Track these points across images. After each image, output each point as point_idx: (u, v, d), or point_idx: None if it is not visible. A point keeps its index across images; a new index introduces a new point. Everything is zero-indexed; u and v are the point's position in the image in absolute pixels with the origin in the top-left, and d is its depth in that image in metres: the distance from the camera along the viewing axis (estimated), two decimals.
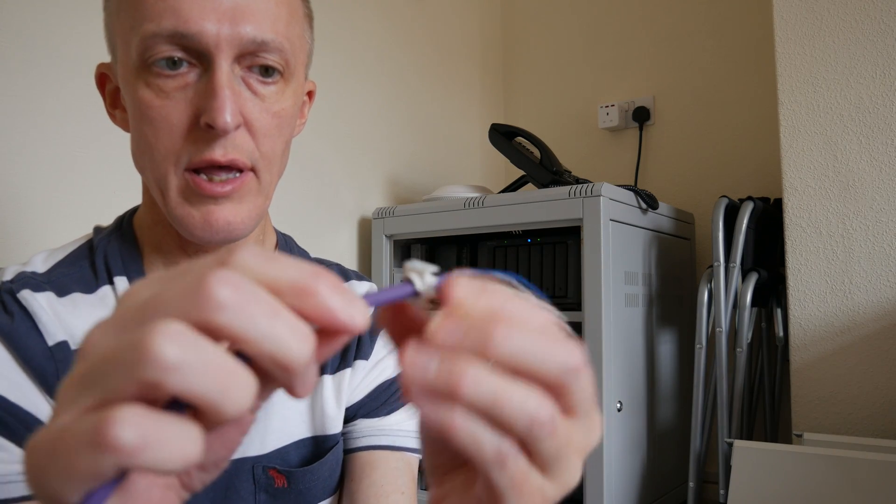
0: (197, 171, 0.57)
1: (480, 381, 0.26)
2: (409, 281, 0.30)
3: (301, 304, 0.25)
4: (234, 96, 0.55)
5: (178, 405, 0.24)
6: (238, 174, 0.58)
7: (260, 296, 0.24)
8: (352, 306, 0.26)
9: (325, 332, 0.26)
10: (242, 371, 0.24)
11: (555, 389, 0.28)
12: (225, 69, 0.55)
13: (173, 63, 0.55)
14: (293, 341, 0.25)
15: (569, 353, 0.28)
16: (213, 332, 0.24)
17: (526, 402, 0.27)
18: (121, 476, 0.24)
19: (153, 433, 0.22)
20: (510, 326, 0.27)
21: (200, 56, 0.56)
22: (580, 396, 0.28)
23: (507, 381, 0.27)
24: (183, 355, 0.23)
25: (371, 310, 0.27)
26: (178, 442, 0.23)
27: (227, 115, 0.54)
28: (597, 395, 0.29)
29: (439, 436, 0.27)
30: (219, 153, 0.56)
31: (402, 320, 0.30)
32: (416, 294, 0.29)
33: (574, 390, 0.28)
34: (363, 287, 0.75)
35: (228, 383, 0.24)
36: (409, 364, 0.26)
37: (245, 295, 0.24)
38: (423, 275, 0.29)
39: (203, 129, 0.56)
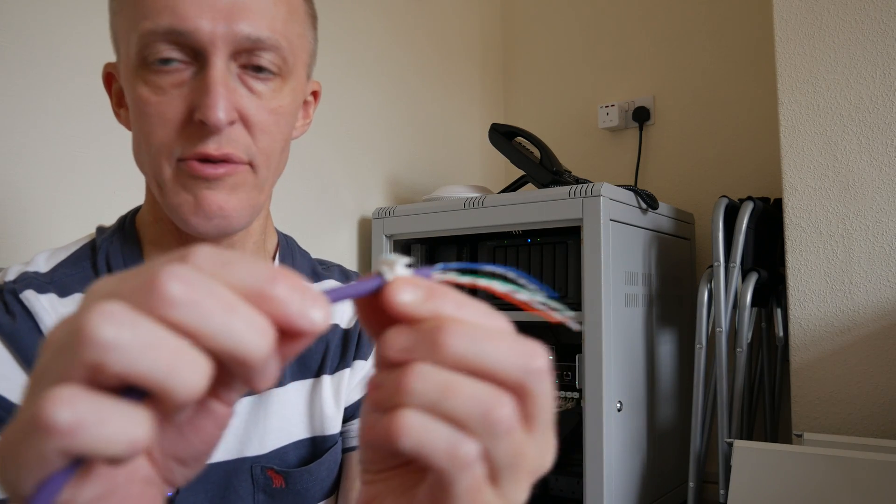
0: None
1: (427, 374, 0.26)
2: (379, 274, 0.29)
3: (258, 306, 0.25)
4: (227, 93, 0.56)
5: (134, 393, 0.24)
6: (232, 164, 0.59)
7: (214, 290, 0.24)
8: (311, 308, 0.25)
9: (287, 332, 0.25)
10: (189, 349, 0.23)
11: (513, 392, 0.27)
12: (219, 66, 0.56)
13: (170, 60, 0.56)
14: (249, 335, 0.24)
15: (530, 354, 0.27)
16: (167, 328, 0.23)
17: (479, 394, 0.26)
18: (75, 465, 0.23)
19: (91, 413, 0.22)
20: (460, 328, 0.26)
21: (196, 53, 0.56)
22: (540, 405, 0.27)
23: (458, 375, 0.26)
24: (119, 333, 0.22)
25: (336, 306, 0.27)
26: (120, 422, 0.22)
27: (219, 112, 0.55)
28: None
29: (386, 445, 0.26)
30: (212, 147, 0.56)
31: (379, 312, 0.29)
32: (383, 287, 0.29)
33: (534, 395, 0.27)
34: None
35: (174, 362, 0.23)
36: (370, 383, 0.27)
37: (198, 290, 0.23)
38: (394, 266, 0.29)
39: (197, 124, 0.56)
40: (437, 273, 0.30)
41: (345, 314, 0.72)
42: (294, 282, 0.25)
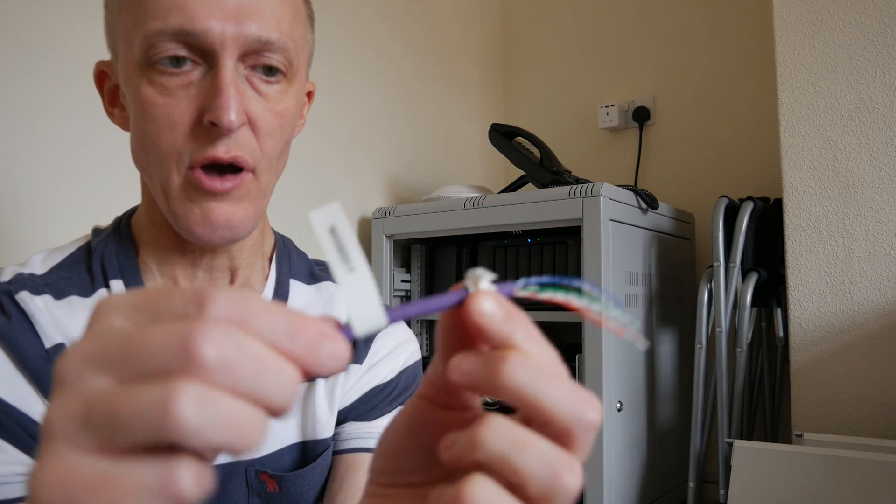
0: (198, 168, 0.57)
1: (500, 426, 0.26)
2: (465, 288, 0.29)
3: (282, 355, 0.25)
4: (238, 95, 0.55)
5: None
6: (238, 173, 0.58)
7: (246, 349, 0.24)
8: (330, 358, 0.26)
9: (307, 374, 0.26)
10: (258, 416, 0.24)
11: (559, 437, 0.27)
12: (230, 68, 0.55)
13: (178, 61, 0.55)
14: (281, 391, 0.25)
15: (587, 403, 0.27)
16: None
17: (550, 455, 0.26)
18: None
19: (204, 480, 0.24)
20: (525, 360, 0.27)
21: (205, 54, 0.56)
22: (581, 457, 0.28)
23: (530, 432, 0.26)
24: (203, 415, 0.23)
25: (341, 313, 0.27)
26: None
27: (231, 114, 0.54)
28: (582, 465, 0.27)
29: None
30: (222, 150, 0.56)
31: (457, 329, 0.30)
32: (462, 300, 0.29)
33: (578, 446, 0.27)
34: None
35: (245, 430, 0.24)
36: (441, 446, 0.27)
37: (231, 352, 0.24)
38: (479, 282, 0.29)
39: (206, 127, 0.55)
40: (520, 288, 0.30)
41: (342, 316, 0.72)
42: (312, 330, 0.26)
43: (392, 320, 0.28)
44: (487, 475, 0.26)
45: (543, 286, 0.30)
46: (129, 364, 0.24)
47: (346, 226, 0.28)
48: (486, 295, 0.28)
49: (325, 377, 0.26)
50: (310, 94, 0.71)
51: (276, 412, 0.25)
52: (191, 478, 0.23)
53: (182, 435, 0.22)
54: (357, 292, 0.28)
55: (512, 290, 0.30)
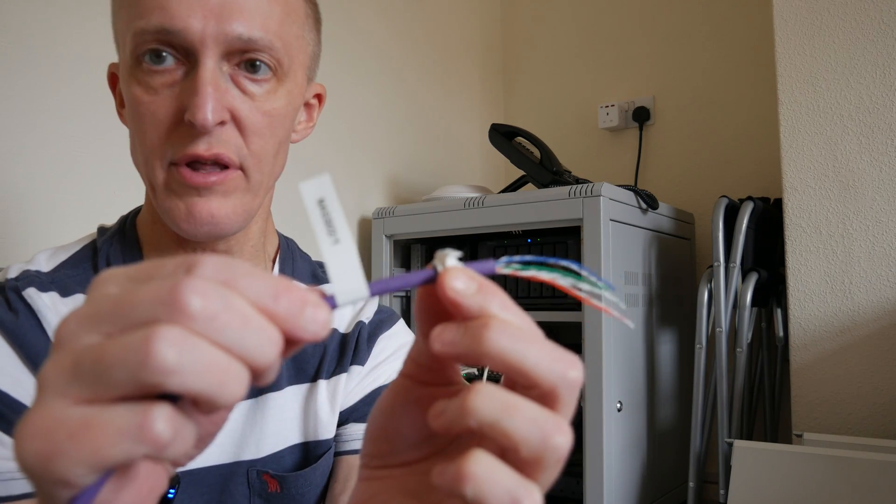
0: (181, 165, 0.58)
1: (490, 393, 0.27)
2: (433, 267, 0.29)
3: (265, 312, 0.26)
4: (217, 93, 0.55)
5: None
6: (223, 169, 0.58)
7: (230, 304, 0.25)
8: (312, 322, 0.26)
9: (290, 339, 0.27)
10: (237, 366, 0.25)
11: (544, 397, 0.28)
12: (209, 66, 0.55)
13: (158, 57, 0.56)
14: (262, 347, 0.25)
15: (568, 362, 0.28)
16: None
17: (539, 417, 0.27)
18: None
19: (183, 429, 0.25)
20: (505, 327, 0.27)
21: (187, 53, 0.56)
22: (567, 414, 0.28)
23: (519, 397, 0.27)
24: (182, 358, 0.23)
25: (337, 311, 0.27)
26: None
27: (207, 113, 0.54)
28: (588, 402, 0.29)
29: (450, 491, 0.26)
30: (202, 148, 0.56)
31: (433, 307, 0.30)
32: (434, 279, 0.29)
33: (564, 404, 0.28)
34: None
35: (224, 379, 0.24)
36: (433, 411, 0.28)
37: (215, 305, 0.24)
38: (445, 259, 0.29)
39: (187, 125, 0.56)
40: (501, 266, 0.30)
41: (343, 318, 0.72)
42: (296, 295, 0.26)
43: (373, 293, 0.28)
44: (485, 450, 0.27)
45: (526, 264, 0.30)
46: (118, 318, 0.25)
47: (334, 198, 0.29)
48: (455, 271, 0.28)
49: (307, 343, 0.27)
50: (319, 97, 0.70)
51: (256, 371, 0.26)
52: (166, 421, 0.24)
53: (161, 376, 0.23)
54: (341, 264, 0.28)
55: (493, 267, 0.30)
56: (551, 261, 0.30)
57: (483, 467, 0.26)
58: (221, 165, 0.58)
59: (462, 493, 0.26)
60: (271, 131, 0.60)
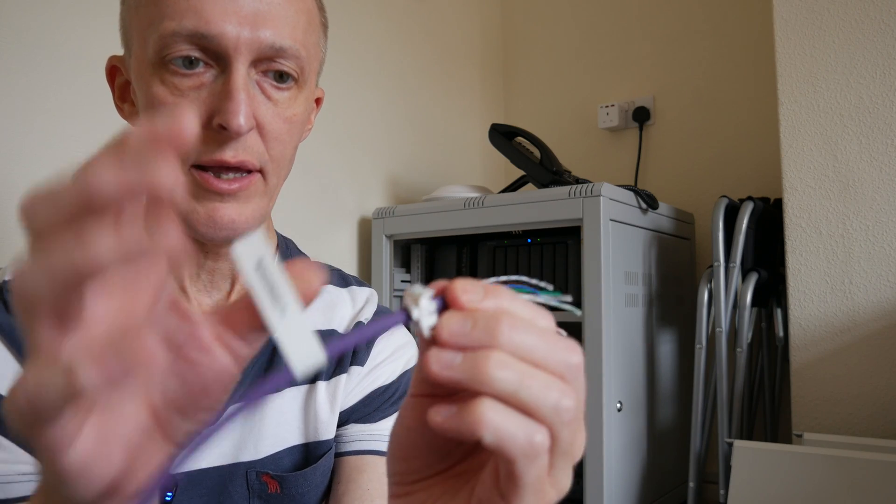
0: (204, 168, 0.58)
1: (506, 365, 0.27)
2: (405, 309, 0.29)
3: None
4: (248, 99, 0.56)
5: None
6: (246, 174, 0.59)
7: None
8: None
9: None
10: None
11: (564, 381, 0.29)
12: (242, 72, 0.56)
13: (191, 62, 0.56)
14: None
15: (570, 350, 0.29)
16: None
17: (551, 385, 0.27)
18: None
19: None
20: (515, 322, 0.28)
21: (218, 58, 0.56)
22: (578, 397, 0.29)
23: (528, 368, 0.27)
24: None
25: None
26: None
27: (241, 118, 0.55)
28: (588, 402, 0.30)
29: (462, 437, 0.27)
30: (229, 154, 0.57)
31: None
32: (410, 320, 0.29)
33: (575, 388, 0.29)
34: (363, 293, 0.75)
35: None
36: (431, 360, 0.27)
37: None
38: (419, 300, 0.28)
39: (215, 129, 0.56)
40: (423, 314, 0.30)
41: (343, 320, 0.72)
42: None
43: (330, 354, 0.27)
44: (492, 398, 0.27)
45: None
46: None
47: (271, 258, 0.27)
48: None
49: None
50: (318, 101, 0.71)
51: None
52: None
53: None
54: (291, 332, 0.27)
55: (401, 320, 0.29)
56: (502, 278, 0.31)
57: (498, 413, 0.27)
58: (244, 170, 0.58)
59: (481, 438, 0.27)
60: (290, 137, 0.61)
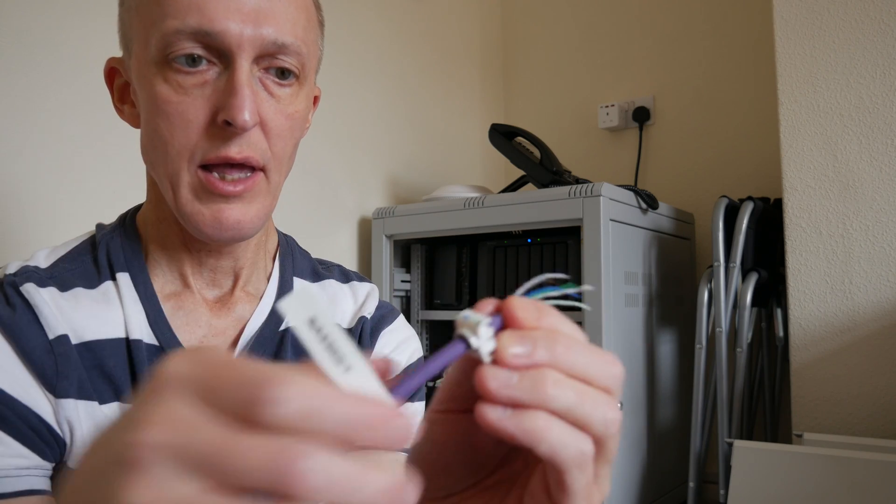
0: (209, 168, 0.58)
1: (562, 384, 0.29)
2: (462, 338, 0.28)
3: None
4: (252, 95, 0.57)
5: None
6: (250, 173, 0.59)
7: (339, 471, 0.23)
8: (396, 439, 0.25)
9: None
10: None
11: (611, 394, 0.31)
12: (245, 68, 0.56)
13: (194, 60, 0.56)
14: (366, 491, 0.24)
15: (615, 364, 0.32)
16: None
17: (601, 401, 0.30)
18: None
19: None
20: (569, 342, 0.30)
21: (221, 55, 0.57)
22: (618, 406, 0.32)
23: (582, 387, 0.29)
24: (322, 481, 0.22)
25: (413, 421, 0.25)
26: None
27: (246, 114, 0.55)
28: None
29: (511, 441, 0.28)
30: (234, 150, 0.57)
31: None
32: (469, 348, 0.28)
33: (618, 398, 0.31)
34: (364, 289, 0.75)
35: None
36: (489, 378, 0.28)
37: (326, 477, 0.22)
38: (477, 328, 0.28)
39: (220, 126, 0.56)
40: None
41: (346, 314, 0.72)
42: (382, 414, 0.24)
43: (398, 401, 0.26)
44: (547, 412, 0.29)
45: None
46: (222, 475, 0.22)
47: (325, 314, 0.25)
48: (491, 375, 0.28)
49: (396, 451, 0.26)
50: (315, 99, 0.72)
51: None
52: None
53: (301, 494, 0.22)
54: (361, 391, 0.25)
55: (461, 351, 0.29)
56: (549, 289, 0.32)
57: (555, 427, 0.28)
58: (248, 168, 0.59)
59: (535, 448, 0.28)
60: (291, 133, 0.62)
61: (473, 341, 0.28)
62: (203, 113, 0.57)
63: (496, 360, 0.28)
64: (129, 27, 0.61)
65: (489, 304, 0.30)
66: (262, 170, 0.60)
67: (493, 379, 0.28)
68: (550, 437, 0.28)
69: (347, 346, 0.25)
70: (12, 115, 1.12)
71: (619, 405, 0.31)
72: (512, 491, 0.34)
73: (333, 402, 0.23)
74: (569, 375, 0.29)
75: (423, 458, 0.34)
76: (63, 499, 0.25)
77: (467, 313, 0.29)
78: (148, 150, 0.61)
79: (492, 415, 0.28)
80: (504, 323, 0.30)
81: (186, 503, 0.22)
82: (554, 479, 0.30)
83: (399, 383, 0.27)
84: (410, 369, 0.73)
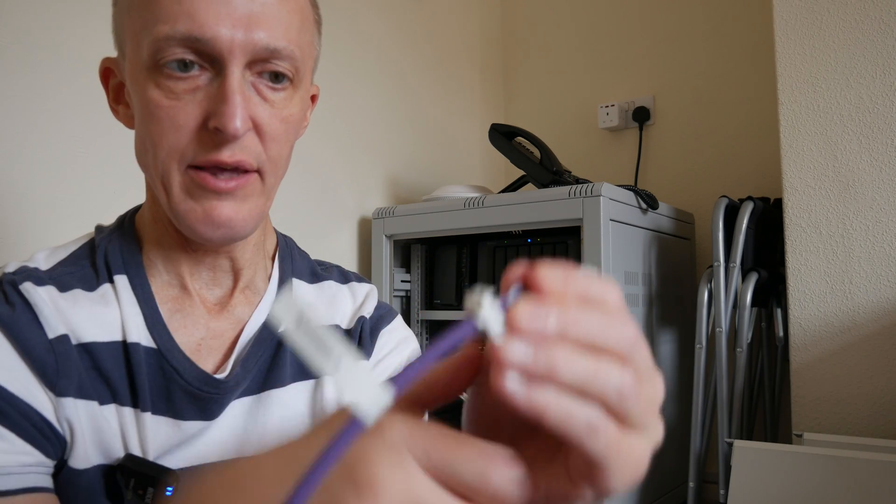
0: (200, 167, 0.58)
1: (574, 362, 0.29)
2: (471, 316, 0.28)
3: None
4: (244, 102, 0.56)
5: None
6: (243, 173, 0.59)
7: None
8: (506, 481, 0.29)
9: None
10: None
11: (624, 360, 0.30)
12: (237, 75, 0.56)
13: (185, 66, 0.56)
14: None
15: (629, 329, 0.31)
16: None
17: (612, 377, 0.29)
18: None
19: None
20: (583, 309, 0.29)
21: (213, 60, 0.56)
22: (643, 363, 0.31)
23: (594, 359, 0.29)
24: None
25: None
26: None
27: (237, 122, 0.55)
28: (650, 358, 0.32)
29: (529, 419, 0.29)
30: (226, 155, 0.57)
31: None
32: (477, 330, 0.28)
33: (637, 359, 0.31)
34: (363, 289, 0.75)
35: None
36: (508, 351, 0.28)
37: None
38: (482, 301, 0.28)
39: (211, 131, 0.56)
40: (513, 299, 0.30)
41: (345, 314, 0.72)
42: (501, 472, 0.29)
43: (399, 391, 0.27)
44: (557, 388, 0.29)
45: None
46: None
47: (311, 313, 0.27)
48: (504, 372, 0.28)
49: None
50: (314, 97, 0.71)
51: None
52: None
53: None
54: (352, 382, 0.26)
55: (507, 303, 0.29)
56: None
57: (562, 401, 0.29)
58: (241, 170, 0.59)
59: (543, 421, 0.28)
60: (286, 136, 0.61)
61: (480, 321, 0.28)
62: (194, 118, 0.56)
63: (508, 332, 0.29)
64: (122, 29, 0.60)
65: (518, 269, 0.31)
66: (257, 171, 0.60)
67: (503, 352, 0.28)
68: (556, 411, 0.28)
69: (334, 343, 0.26)
70: (12, 115, 1.12)
71: (629, 375, 0.30)
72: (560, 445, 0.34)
73: (457, 461, 0.28)
74: (581, 345, 0.29)
75: (473, 417, 0.35)
76: None
77: (475, 294, 0.29)
78: (140, 153, 0.61)
79: (504, 387, 0.28)
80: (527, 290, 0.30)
81: None
82: (575, 447, 0.30)
83: (401, 375, 0.28)
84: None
